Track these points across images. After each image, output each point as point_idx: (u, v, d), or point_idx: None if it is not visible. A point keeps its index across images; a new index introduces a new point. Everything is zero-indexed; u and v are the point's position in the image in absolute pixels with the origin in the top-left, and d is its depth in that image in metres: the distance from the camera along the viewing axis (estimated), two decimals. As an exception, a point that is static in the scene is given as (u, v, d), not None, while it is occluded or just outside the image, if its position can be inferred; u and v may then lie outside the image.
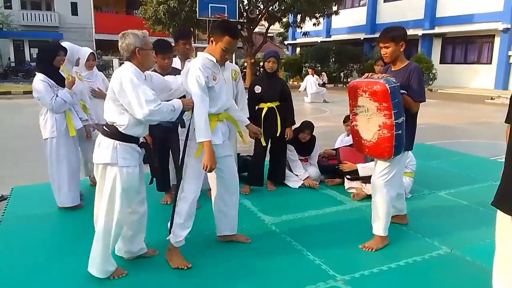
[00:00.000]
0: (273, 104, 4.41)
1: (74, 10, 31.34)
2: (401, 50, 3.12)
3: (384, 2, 26.31)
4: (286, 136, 4.51)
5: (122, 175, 2.52)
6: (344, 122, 5.32)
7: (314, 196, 4.44)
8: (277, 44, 40.82)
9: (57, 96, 3.62)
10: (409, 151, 4.37)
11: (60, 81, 3.73)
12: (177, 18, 20.29)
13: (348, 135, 5.27)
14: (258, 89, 4.41)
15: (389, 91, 2.81)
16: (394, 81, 2.90)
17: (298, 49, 33.10)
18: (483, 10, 20.62)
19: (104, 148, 2.53)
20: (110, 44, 31.17)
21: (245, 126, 3.40)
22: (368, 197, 4.30)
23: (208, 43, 2.94)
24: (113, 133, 2.53)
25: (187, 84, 2.76)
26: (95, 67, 4.67)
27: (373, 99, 2.92)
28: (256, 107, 4.47)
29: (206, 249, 3.17)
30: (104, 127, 2.59)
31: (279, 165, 4.66)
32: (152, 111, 2.41)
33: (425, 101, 3.12)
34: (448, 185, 4.81)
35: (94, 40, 30.69)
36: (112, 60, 28.96)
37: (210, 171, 2.77)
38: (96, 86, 4.59)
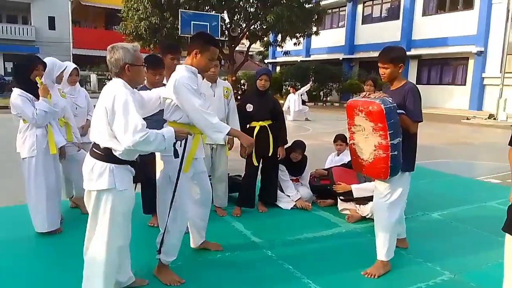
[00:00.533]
0: (265, 123, 4.28)
1: (52, 24, 30.75)
2: (400, 71, 3.08)
3: (362, 24, 26.99)
4: (278, 156, 4.38)
5: (122, 199, 2.32)
6: (334, 141, 5.24)
7: (307, 218, 4.29)
8: (257, 63, 41.18)
9: (36, 108, 3.37)
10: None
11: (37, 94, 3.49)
12: (158, 34, 20.14)
13: (338, 155, 5.20)
14: (249, 107, 4.28)
15: (385, 111, 2.75)
16: (391, 101, 2.84)
17: (278, 68, 33.42)
18: (457, 33, 21.36)
19: (98, 173, 2.28)
20: (88, 59, 30.72)
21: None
22: (363, 219, 4.20)
23: (189, 55, 2.83)
24: (108, 156, 2.29)
25: (178, 97, 2.64)
26: (77, 83, 4.45)
27: (369, 119, 2.86)
28: (248, 125, 4.33)
29: (199, 270, 2.96)
30: (94, 149, 2.34)
31: (271, 185, 4.50)
32: (137, 142, 2.16)
33: (422, 121, 3.05)
34: (440, 207, 4.75)
35: (71, 55, 30.10)
36: (89, 76, 28.43)
37: (250, 150, 2.84)
38: (79, 102, 4.36)
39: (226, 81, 4.62)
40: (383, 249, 3.08)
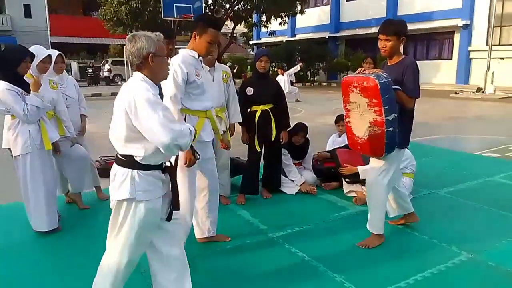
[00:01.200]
0: (266, 107, 4.11)
1: (28, 12, 29.70)
2: (401, 45, 3.01)
3: (347, 1, 26.64)
4: (281, 140, 4.23)
5: (140, 211, 1.99)
6: (336, 122, 5.11)
7: (314, 203, 4.18)
8: (241, 45, 40.64)
9: (27, 104, 3.14)
10: (408, 151, 4.26)
11: (27, 88, 3.25)
12: (140, 19, 19.59)
13: (339, 136, 5.07)
14: (250, 90, 4.10)
15: (379, 86, 2.70)
16: (386, 76, 2.77)
17: (263, 49, 32.96)
18: (443, 7, 21.26)
19: (120, 181, 1.99)
20: (67, 47, 29.82)
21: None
22: (370, 200, 4.11)
23: (191, 39, 2.85)
24: (129, 162, 1.99)
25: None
26: (65, 71, 4.20)
27: (364, 95, 2.80)
28: (248, 110, 4.16)
29: (210, 262, 2.83)
30: (117, 154, 2.05)
31: (275, 171, 4.36)
32: (175, 136, 1.85)
33: (419, 97, 2.98)
34: (445, 184, 4.70)
35: (50, 43, 29.16)
36: (70, 64, 27.64)
37: (190, 165, 2.65)
38: (68, 92, 4.12)
39: (229, 64, 4.41)
40: (379, 223, 3.15)
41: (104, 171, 5.08)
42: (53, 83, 3.74)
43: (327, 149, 4.99)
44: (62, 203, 4.12)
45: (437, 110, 12.36)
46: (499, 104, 13.98)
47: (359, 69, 3.01)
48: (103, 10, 20.86)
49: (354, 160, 4.22)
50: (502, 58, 19.08)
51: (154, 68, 2.01)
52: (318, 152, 4.95)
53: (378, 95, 2.71)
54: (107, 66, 26.33)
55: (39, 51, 3.48)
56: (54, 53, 3.92)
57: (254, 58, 4.20)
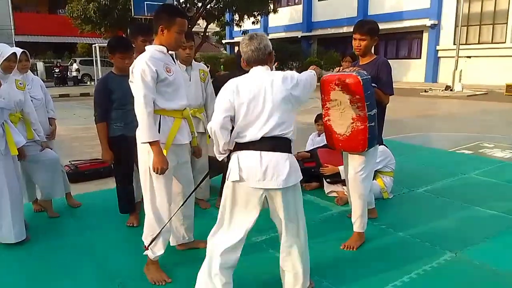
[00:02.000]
0: None
1: (-11, 9, 28.41)
2: (374, 44, 3.15)
3: (318, 0, 26.86)
4: None
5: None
6: (315, 121, 5.06)
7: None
8: (214, 44, 40.33)
9: None
10: (387, 150, 4.26)
11: None
12: (109, 17, 19.04)
13: (319, 136, 5.03)
14: None
15: (362, 83, 2.76)
16: (366, 73, 2.86)
17: (236, 48, 32.83)
18: (412, 7, 21.77)
19: (294, 168, 2.23)
20: (33, 46, 28.67)
21: None
22: (351, 200, 4.07)
23: (156, 34, 2.62)
24: (288, 145, 2.24)
25: (132, 84, 2.51)
26: (29, 70, 3.94)
27: (346, 92, 2.83)
28: None
29: (189, 269, 2.70)
30: (280, 142, 2.20)
31: None
32: None
33: (393, 94, 3.13)
34: (423, 182, 4.73)
35: (14, 42, 27.98)
36: (36, 64, 26.60)
37: (162, 173, 2.50)
38: (34, 93, 3.86)
39: (202, 63, 4.24)
40: (361, 221, 3.15)
41: (74, 176, 4.87)
42: (20, 83, 3.50)
43: (306, 149, 4.93)
44: (30, 211, 3.88)
45: (409, 107, 12.59)
46: (467, 101, 14.40)
47: (338, 68, 3.06)
48: (70, 7, 20.14)
49: (335, 159, 4.17)
50: (469, 57, 19.70)
51: (270, 64, 2.33)
52: (297, 152, 4.88)
53: (361, 91, 2.76)
54: (75, 66, 25.47)
55: (3, 49, 3.24)
56: (18, 51, 3.67)
57: (237, 57, 4.03)
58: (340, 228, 3.49)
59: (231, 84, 2.22)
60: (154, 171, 2.49)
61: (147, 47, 2.60)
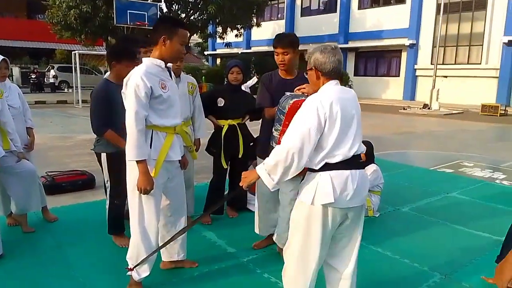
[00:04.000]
0: (234, 122, 3.92)
1: (-36, 12, 27.59)
2: (296, 57, 3.05)
3: (301, 16, 27.26)
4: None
5: None
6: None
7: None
8: (196, 55, 40.29)
9: None
10: (378, 169, 4.24)
11: None
12: (90, 24, 18.73)
13: None
14: (220, 101, 3.85)
15: None
16: None
17: (218, 60, 32.87)
18: (391, 26, 22.30)
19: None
20: (9, 51, 27.92)
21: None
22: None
23: (155, 45, 2.50)
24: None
25: (125, 93, 2.43)
26: (7, 78, 3.77)
27: None
28: (216, 123, 3.93)
29: (175, 285, 2.58)
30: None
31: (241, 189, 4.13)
32: None
33: None
34: (407, 200, 4.74)
35: (-11, 46, 27.22)
36: (11, 69, 25.88)
37: (145, 193, 2.41)
38: (11, 101, 3.69)
39: (191, 76, 4.14)
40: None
41: (51, 188, 4.65)
42: (-3, 91, 3.33)
43: None
44: (3, 225, 3.67)
45: (388, 124, 12.77)
46: (444, 120, 14.73)
47: (296, 89, 2.85)
48: (50, 13, 19.73)
49: None
50: (446, 77, 20.26)
51: None
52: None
53: None
54: (52, 72, 24.89)
55: None
56: (-3, 58, 3.52)
57: (225, 70, 3.98)
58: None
59: (321, 101, 1.98)
60: (137, 190, 2.41)
61: (144, 59, 2.50)
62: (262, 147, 3.16)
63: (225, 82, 4.00)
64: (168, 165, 2.57)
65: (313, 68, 2.10)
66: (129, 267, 2.56)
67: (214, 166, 3.99)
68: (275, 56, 3.02)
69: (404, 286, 2.83)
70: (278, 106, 2.79)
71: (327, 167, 2.00)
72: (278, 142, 2.85)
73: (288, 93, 2.78)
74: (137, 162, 2.36)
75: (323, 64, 2.06)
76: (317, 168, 2.01)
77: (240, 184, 2.12)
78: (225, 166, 3.91)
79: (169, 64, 2.59)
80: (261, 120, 3.30)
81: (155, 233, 2.58)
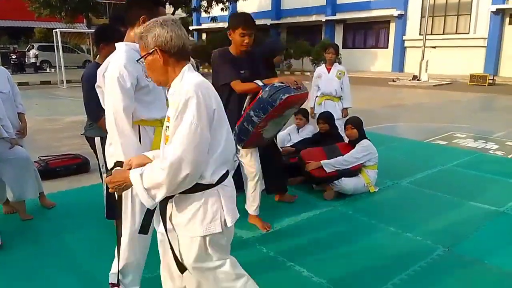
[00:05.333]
0: None
1: None
2: None
3: (287, -12, 26.71)
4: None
5: None
6: (295, 115, 4.99)
7: (284, 202, 3.99)
8: (180, 30, 39.39)
9: None
10: (371, 144, 4.23)
11: None
12: (70, 0, 18.10)
13: (298, 130, 5.02)
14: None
15: None
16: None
17: (204, 35, 32.22)
18: (379, -3, 22.04)
19: None
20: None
21: None
22: (338, 195, 4.03)
23: (132, 27, 2.16)
24: None
25: (104, 88, 2.09)
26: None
27: (298, 106, 3.08)
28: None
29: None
30: None
31: (278, 173, 3.79)
32: None
33: None
34: (405, 173, 4.76)
35: (-36, 25, 26.22)
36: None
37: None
38: (0, 86, 3.54)
39: None
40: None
41: (45, 173, 4.54)
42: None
43: (285, 143, 4.90)
44: (0, 214, 3.58)
45: (378, 97, 12.78)
46: (433, 91, 14.80)
47: (290, 83, 2.82)
48: (27, -10, 19.02)
49: (316, 157, 4.12)
50: (434, 47, 20.24)
51: None
52: (282, 148, 4.79)
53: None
54: (33, 52, 24.16)
55: None
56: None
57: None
58: (332, 224, 3.45)
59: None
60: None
61: (119, 45, 2.13)
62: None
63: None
64: None
65: (155, 50, 1.57)
66: (113, 283, 2.20)
67: None
68: (240, 37, 2.90)
69: (409, 260, 2.85)
70: (264, 94, 2.73)
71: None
72: (256, 129, 2.81)
73: (277, 85, 2.76)
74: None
75: (169, 42, 1.56)
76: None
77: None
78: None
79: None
80: (221, 92, 3.08)
81: (147, 240, 2.28)
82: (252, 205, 3.31)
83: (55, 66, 17.27)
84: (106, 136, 2.20)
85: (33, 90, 14.89)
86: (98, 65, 3.04)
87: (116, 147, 2.03)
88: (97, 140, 3.12)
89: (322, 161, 4.04)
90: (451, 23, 20.27)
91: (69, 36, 24.03)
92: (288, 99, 2.71)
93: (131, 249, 2.18)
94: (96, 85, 2.20)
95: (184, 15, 34.43)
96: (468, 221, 3.52)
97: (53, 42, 16.91)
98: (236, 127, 2.92)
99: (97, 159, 3.20)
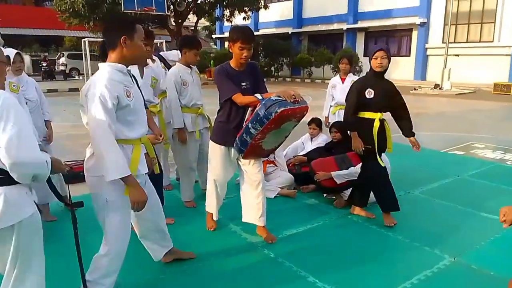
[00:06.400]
0: (382, 115, 3.66)
1: (-27, 1, 27.72)
2: None
3: (309, -4, 26.86)
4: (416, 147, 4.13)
5: None
6: (308, 124, 5.12)
7: (295, 208, 4.10)
8: (203, 38, 40.03)
9: None
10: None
11: None
12: (97, 10, 18.74)
13: (312, 139, 5.11)
14: (370, 93, 3.57)
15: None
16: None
17: (226, 43, 32.64)
18: (401, 5, 21.88)
19: None
20: (18, 39, 28.13)
21: None
22: (349, 203, 4.10)
23: (114, 49, 2.24)
24: None
25: (86, 108, 2.17)
26: (24, 71, 3.87)
27: (298, 119, 2.97)
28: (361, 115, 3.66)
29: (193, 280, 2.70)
30: None
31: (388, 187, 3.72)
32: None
33: None
34: (418, 183, 4.79)
35: (-1, 34, 27.41)
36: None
37: (140, 209, 2.23)
38: (29, 95, 3.79)
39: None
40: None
41: (69, 178, 4.77)
42: (14, 85, 3.43)
43: (297, 152, 5.01)
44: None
45: (399, 106, 12.67)
46: (456, 100, 14.58)
47: (289, 97, 2.81)
48: (58, 0, 19.78)
49: (327, 168, 4.20)
50: (457, 55, 19.93)
51: None
52: (294, 156, 4.91)
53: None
54: (62, 60, 25.07)
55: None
56: (12, 52, 3.60)
57: (369, 55, 3.63)
58: (339, 233, 3.53)
59: None
60: (134, 207, 2.23)
61: (102, 65, 2.24)
62: (223, 133, 3.19)
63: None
64: (140, 180, 2.33)
65: None
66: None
67: (366, 160, 3.73)
68: (239, 51, 2.98)
69: (414, 269, 2.90)
70: (261, 107, 2.78)
71: None
72: (254, 140, 2.91)
73: (273, 98, 2.78)
74: (124, 178, 2.14)
75: None
76: None
77: None
78: (382, 164, 3.68)
79: (130, 67, 2.37)
80: (224, 105, 3.17)
81: (124, 252, 2.45)
82: (257, 215, 3.32)
83: (83, 74, 17.89)
84: None
85: (62, 97, 15.47)
86: None
87: (102, 161, 2.11)
88: None
89: (333, 173, 4.12)
90: (475, 31, 19.93)
91: (97, 45, 24.83)
92: (283, 112, 2.73)
93: (119, 259, 2.39)
94: (80, 103, 2.28)
95: (207, 23, 35.07)
96: (478, 232, 3.53)
97: (82, 51, 17.55)
98: (237, 138, 3.03)
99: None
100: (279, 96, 2.79)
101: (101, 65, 2.25)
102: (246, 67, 3.13)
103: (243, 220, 3.43)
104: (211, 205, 3.49)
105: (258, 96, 2.91)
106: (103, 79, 2.12)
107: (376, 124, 3.57)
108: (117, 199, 2.25)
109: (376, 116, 3.58)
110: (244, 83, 3.08)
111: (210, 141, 3.31)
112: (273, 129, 2.86)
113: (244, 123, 2.99)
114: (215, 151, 3.26)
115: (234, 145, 3.09)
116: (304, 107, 2.85)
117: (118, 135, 2.20)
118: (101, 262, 2.36)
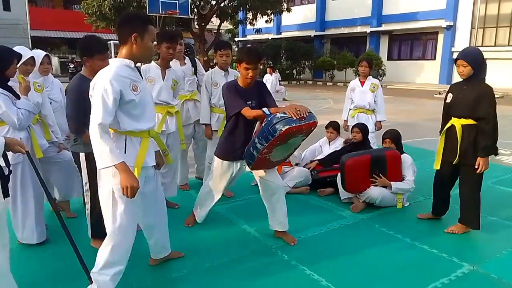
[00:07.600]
0: (466, 121, 3.49)
1: (6, 4, 28.71)
2: None
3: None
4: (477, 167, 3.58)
5: None
6: (326, 128, 5.11)
7: (310, 210, 4.10)
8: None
9: (19, 108, 2.96)
10: (410, 158, 4.20)
11: (14, 92, 3.06)
12: (123, 13, 19.15)
13: (329, 143, 5.08)
14: (449, 97, 3.51)
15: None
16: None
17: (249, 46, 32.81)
18: (427, 8, 21.51)
19: None
20: (47, 41, 29.04)
21: None
22: (366, 207, 4.06)
23: (124, 44, 2.33)
24: None
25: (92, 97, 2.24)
26: (50, 73, 4.00)
27: (305, 133, 2.94)
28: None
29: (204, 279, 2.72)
30: None
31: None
32: None
33: None
34: (439, 189, 4.67)
35: (29, 37, 28.36)
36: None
37: (132, 195, 2.22)
38: (53, 95, 3.92)
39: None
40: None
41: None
42: (38, 85, 3.55)
43: (312, 156, 5.01)
44: (48, 211, 3.93)
45: (423, 110, 12.47)
46: (482, 105, 14.17)
47: (294, 113, 2.77)
48: (85, 4, 20.35)
49: (362, 170, 4.10)
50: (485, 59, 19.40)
51: None
52: (310, 161, 4.90)
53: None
54: (88, 62, 25.67)
55: (23, 52, 3.28)
56: (40, 54, 3.74)
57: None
58: (356, 236, 3.50)
59: None
60: (123, 192, 2.21)
61: (112, 61, 2.33)
62: (228, 148, 3.25)
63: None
64: (144, 171, 2.42)
65: None
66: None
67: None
68: (244, 71, 3.05)
69: (431, 276, 2.84)
70: (266, 123, 2.79)
71: None
72: (261, 154, 2.92)
73: (279, 115, 2.76)
74: (115, 165, 2.17)
75: None
76: None
77: None
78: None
79: (138, 64, 2.43)
80: (231, 120, 3.21)
81: (131, 243, 2.45)
82: (278, 220, 3.36)
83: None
84: (90, 152, 2.26)
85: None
86: (82, 78, 3.12)
87: (94, 151, 2.18)
88: (82, 156, 3.02)
89: (393, 183, 4.07)
90: (504, 34, 19.37)
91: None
92: (287, 130, 2.72)
93: (117, 252, 2.37)
94: (89, 94, 2.30)
95: (230, 26, 35.35)
96: (497, 240, 3.44)
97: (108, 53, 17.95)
98: (245, 151, 3.06)
99: (81, 176, 3.16)
100: (284, 113, 2.76)
101: (111, 60, 2.35)
102: (253, 86, 3.20)
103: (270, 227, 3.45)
104: (200, 211, 3.57)
105: (266, 111, 2.90)
106: (109, 74, 2.20)
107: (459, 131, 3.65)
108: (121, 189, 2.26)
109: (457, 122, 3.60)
110: (250, 102, 3.12)
111: (214, 156, 3.36)
112: (279, 144, 2.87)
113: (253, 134, 3.02)
114: (218, 165, 3.32)
115: (243, 157, 3.12)
116: (311, 123, 2.82)
117: (125, 127, 2.31)
118: (102, 253, 2.39)
